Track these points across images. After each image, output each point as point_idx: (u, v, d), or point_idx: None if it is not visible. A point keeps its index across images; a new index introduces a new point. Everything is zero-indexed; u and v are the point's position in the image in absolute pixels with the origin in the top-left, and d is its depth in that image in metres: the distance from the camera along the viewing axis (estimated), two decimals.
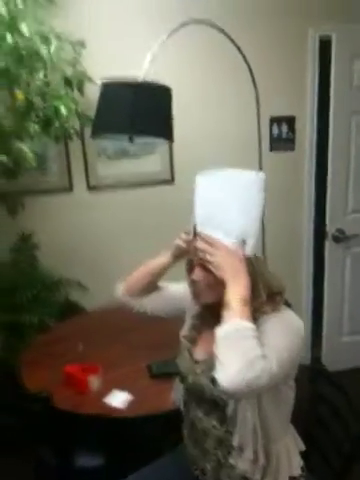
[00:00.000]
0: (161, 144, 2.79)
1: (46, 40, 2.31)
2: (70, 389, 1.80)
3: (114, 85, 1.99)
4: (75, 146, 2.82)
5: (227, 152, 2.95)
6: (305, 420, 1.66)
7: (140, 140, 2.19)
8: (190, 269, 1.38)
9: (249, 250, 1.30)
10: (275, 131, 3.01)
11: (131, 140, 2.21)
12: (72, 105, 2.27)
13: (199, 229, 1.34)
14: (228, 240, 1.28)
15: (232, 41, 2.26)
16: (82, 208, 2.93)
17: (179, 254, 1.51)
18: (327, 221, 2.97)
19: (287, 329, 1.25)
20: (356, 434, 1.49)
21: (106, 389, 1.79)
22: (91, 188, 2.90)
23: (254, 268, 1.28)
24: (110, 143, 2.79)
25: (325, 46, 2.83)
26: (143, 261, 2.96)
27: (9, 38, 2.09)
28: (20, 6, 2.16)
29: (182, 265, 1.50)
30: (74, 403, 1.73)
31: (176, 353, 1.61)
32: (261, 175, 1.33)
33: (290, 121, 3.02)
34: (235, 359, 1.09)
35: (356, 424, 1.50)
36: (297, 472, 1.36)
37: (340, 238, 2.95)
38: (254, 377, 1.08)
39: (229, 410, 1.30)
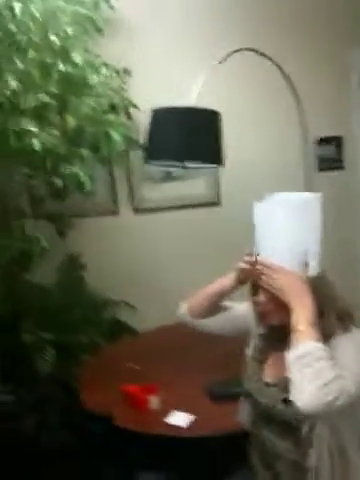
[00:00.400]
0: (211, 169, 2.84)
1: (94, 68, 2.40)
2: (130, 409, 1.82)
3: (164, 111, 2.05)
4: (121, 169, 2.89)
5: (274, 174, 2.98)
6: None
7: (191, 165, 2.23)
8: (254, 291, 1.40)
9: (312, 271, 1.32)
10: (323, 151, 3.04)
11: (183, 166, 2.25)
12: (123, 130, 2.33)
13: (260, 253, 1.36)
14: (290, 262, 1.30)
15: (278, 66, 2.30)
16: (128, 230, 2.99)
17: (243, 278, 1.50)
18: None
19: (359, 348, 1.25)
20: None
21: (166, 409, 1.81)
22: (137, 211, 2.96)
23: (319, 289, 1.29)
24: (156, 166, 2.84)
25: None
26: (190, 282, 2.99)
27: (61, 66, 2.18)
28: (70, 33, 2.25)
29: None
30: (135, 422, 1.75)
31: (236, 374, 1.64)
32: (318, 196, 1.35)
33: (337, 141, 3.06)
34: (310, 381, 1.10)
35: None
36: None
37: None
38: (331, 398, 1.08)
39: (304, 432, 1.29)
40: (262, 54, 2.25)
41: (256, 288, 1.38)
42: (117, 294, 2.91)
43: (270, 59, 2.26)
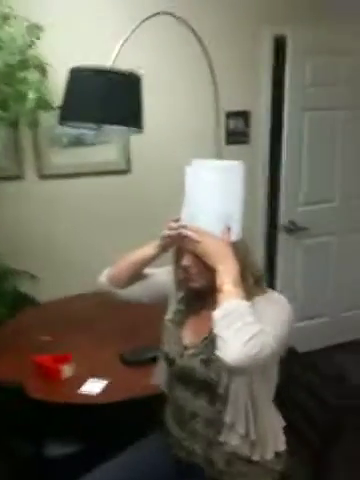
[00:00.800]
0: (122, 135, 2.77)
1: (5, 20, 2.23)
2: (42, 379, 1.77)
3: (84, 70, 1.95)
4: (27, 131, 2.73)
5: (185, 144, 2.98)
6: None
7: (109, 129, 2.16)
8: (179, 256, 1.42)
9: (234, 236, 1.36)
10: (231, 125, 3.07)
11: (99, 129, 2.18)
12: (38, 89, 2.19)
13: (186, 218, 1.38)
14: (215, 227, 1.33)
15: (196, 35, 2.29)
16: (33, 197, 2.84)
17: (167, 245, 1.50)
18: (280, 213, 3.08)
19: (278, 308, 1.33)
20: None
21: (80, 378, 1.78)
22: (43, 176, 2.82)
23: (240, 253, 1.34)
24: (64, 130, 2.71)
25: (280, 44, 2.93)
26: (96, 252, 2.96)
27: None
28: None
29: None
30: (48, 392, 1.71)
31: (148, 341, 1.74)
32: (242, 164, 1.40)
33: (245, 116, 3.09)
34: (237, 335, 1.13)
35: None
36: (282, 447, 1.44)
37: (292, 230, 3.08)
38: (256, 351, 1.12)
39: (221, 389, 1.34)
40: (181, 20, 2.22)
41: (181, 253, 1.40)
42: (19, 263, 2.78)
43: (189, 26, 2.24)
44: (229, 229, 1.35)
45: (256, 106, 3.13)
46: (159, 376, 1.60)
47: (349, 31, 2.97)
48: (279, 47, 2.98)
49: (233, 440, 1.36)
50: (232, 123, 3.07)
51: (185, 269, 1.38)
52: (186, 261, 1.37)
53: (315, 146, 3.10)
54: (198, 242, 1.31)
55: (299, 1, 3.04)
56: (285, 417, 1.52)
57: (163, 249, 1.54)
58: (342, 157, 3.19)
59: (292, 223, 3.09)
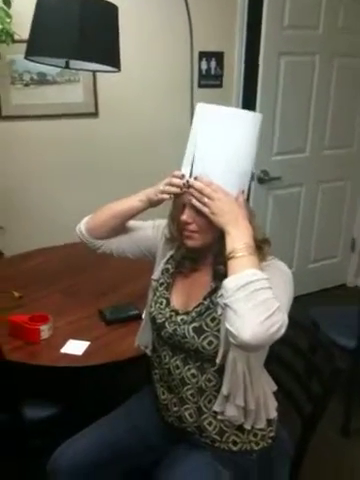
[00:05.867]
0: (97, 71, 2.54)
1: None
2: (18, 340, 1.64)
3: None
4: None
5: (157, 86, 2.81)
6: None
7: (80, 66, 1.94)
8: (179, 209, 1.26)
9: (245, 195, 1.23)
10: (204, 67, 2.88)
11: (68, 65, 1.97)
12: (6, 19, 1.93)
13: (198, 168, 1.21)
14: (232, 185, 1.19)
15: None
16: None
17: (161, 200, 1.35)
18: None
19: (283, 278, 1.21)
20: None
21: (59, 338, 1.66)
22: (4, 118, 2.58)
23: (248, 216, 1.19)
24: (26, 66, 2.46)
25: None
26: (62, 200, 2.77)
27: None
28: None
29: None
30: (28, 354, 1.58)
31: (127, 297, 1.69)
32: (260, 115, 1.24)
33: (219, 57, 2.90)
34: (255, 311, 1.02)
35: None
36: (273, 414, 1.35)
37: (264, 179, 2.99)
38: (275, 329, 1.02)
39: (218, 359, 1.23)
40: None
41: (180, 207, 1.25)
42: None
43: None
44: (243, 191, 1.21)
45: (231, 47, 2.94)
46: (144, 338, 1.50)
47: None
48: None
49: (229, 411, 1.27)
50: (205, 64, 2.87)
51: (184, 225, 1.25)
52: (187, 217, 1.23)
53: (290, 93, 2.96)
54: (211, 199, 1.16)
55: None
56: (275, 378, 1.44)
57: (152, 204, 1.40)
58: (316, 106, 3.09)
59: (265, 173, 3.00)
